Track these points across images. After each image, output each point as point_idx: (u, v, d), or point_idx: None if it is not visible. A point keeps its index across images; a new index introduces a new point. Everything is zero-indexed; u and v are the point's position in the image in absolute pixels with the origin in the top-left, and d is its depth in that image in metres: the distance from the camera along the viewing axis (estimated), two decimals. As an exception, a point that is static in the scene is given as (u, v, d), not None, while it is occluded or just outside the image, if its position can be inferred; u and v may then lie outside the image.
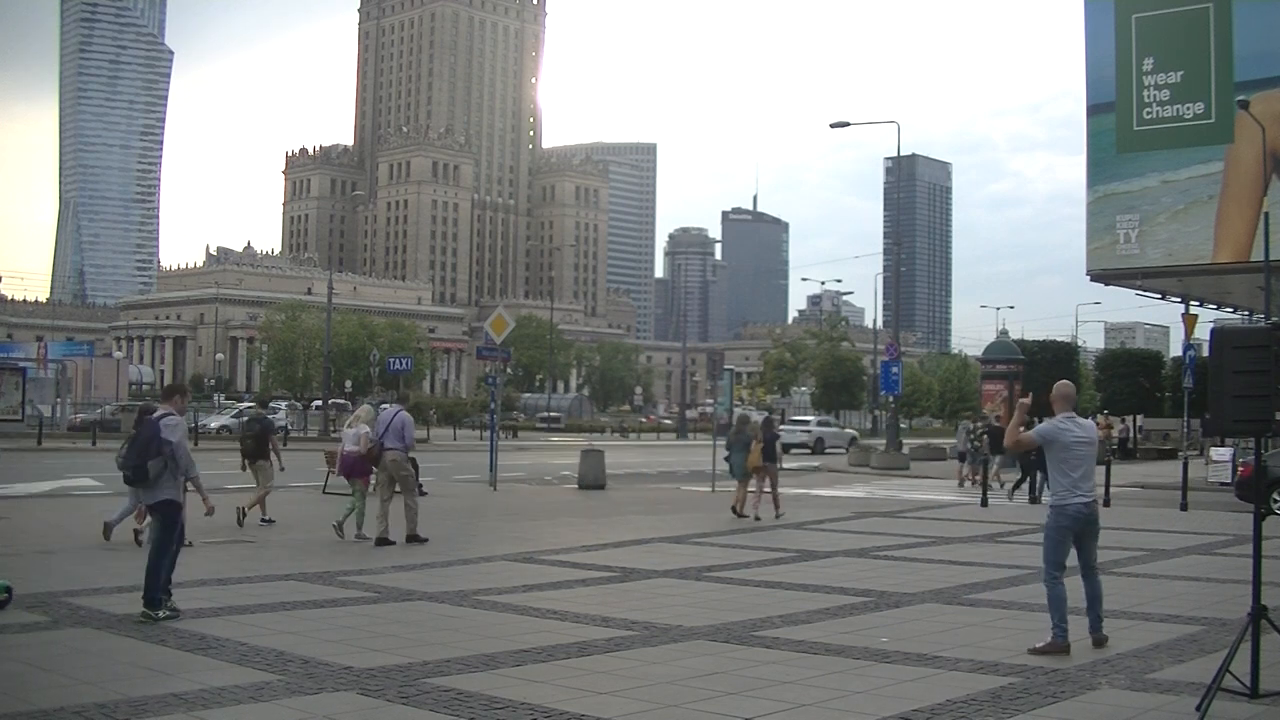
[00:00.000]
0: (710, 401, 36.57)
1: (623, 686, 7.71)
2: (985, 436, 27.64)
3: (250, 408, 16.73)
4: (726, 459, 20.38)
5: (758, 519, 19.39)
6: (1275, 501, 20.18)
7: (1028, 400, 9.44)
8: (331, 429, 57.66)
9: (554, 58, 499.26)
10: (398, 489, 15.60)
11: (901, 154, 49.11)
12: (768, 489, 20.00)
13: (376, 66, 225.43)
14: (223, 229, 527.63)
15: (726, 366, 33.13)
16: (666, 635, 9.50)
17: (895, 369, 39.42)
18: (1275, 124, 28.74)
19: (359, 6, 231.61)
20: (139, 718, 6.75)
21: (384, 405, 17.09)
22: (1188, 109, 31.31)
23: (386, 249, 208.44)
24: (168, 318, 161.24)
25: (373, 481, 16.02)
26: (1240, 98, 28.87)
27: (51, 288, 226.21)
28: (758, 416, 25.38)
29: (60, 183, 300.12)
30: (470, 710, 7.02)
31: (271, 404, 66.96)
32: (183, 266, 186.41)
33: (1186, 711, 7.04)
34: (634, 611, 10.53)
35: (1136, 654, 8.80)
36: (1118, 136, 32.99)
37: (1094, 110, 34.02)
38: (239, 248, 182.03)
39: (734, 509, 19.76)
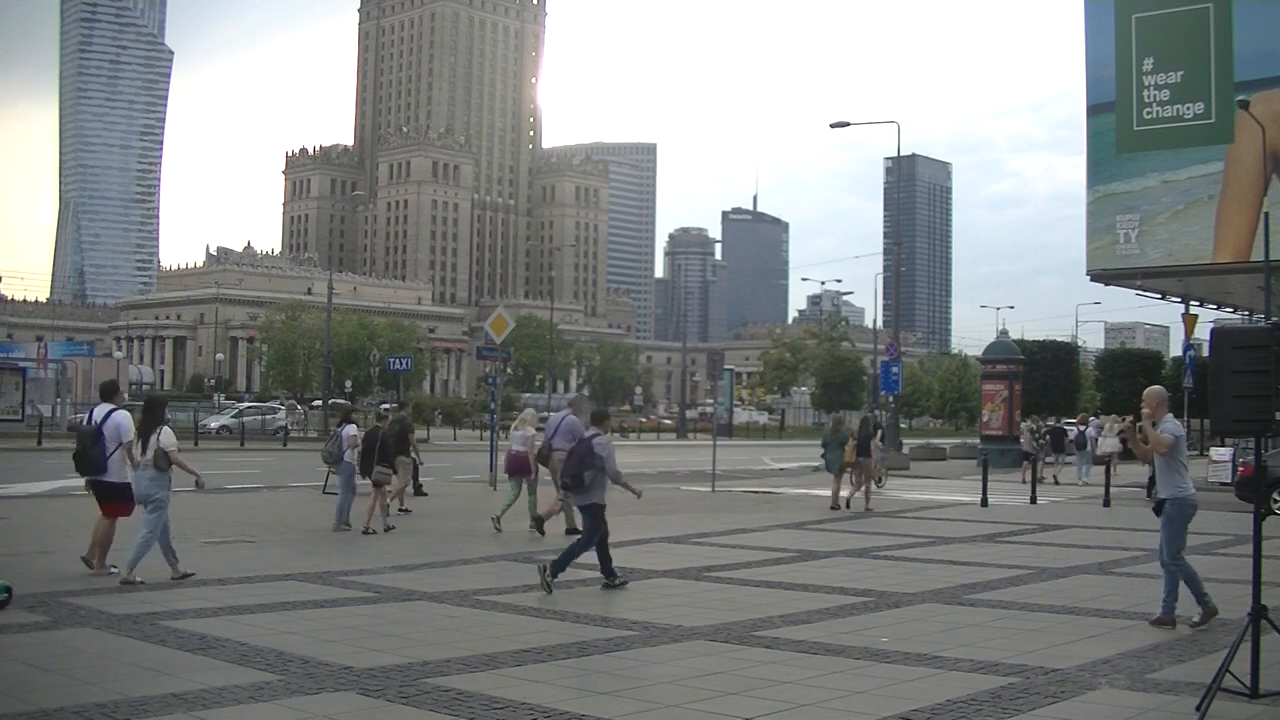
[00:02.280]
0: (710, 401, 36.55)
1: (623, 686, 7.72)
2: (1048, 436, 30.61)
3: (300, 407, 17.64)
4: (822, 456, 23.03)
5: (847, 506, 21.62)
6: (1275, 501, 20.18)
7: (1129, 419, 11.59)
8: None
9: (554, 58, 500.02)
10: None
11: (902, 154, 49.12)
12: (851, 483, 22.22)
13: (376, 66, 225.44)
14: (223, 229, 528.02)
15: (726, 366, 33.16)
16: (666, 635, 9.51)
17: (895, 369, 39.41)
18: (1275, 124, 28.76)
19: (359, 6, 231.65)
20: (139, 718, 6.75)
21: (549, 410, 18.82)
22: (1188, 109, 31.32)
23: (386, 249, 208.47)
24: (168, 318, 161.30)
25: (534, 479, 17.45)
26: (1240, 98, 28.88)
27: (51, 288, 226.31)
28: (851, 417, 27.11)
29: (60, 183, 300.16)
30: (470, 710, 7.02)
31: (273, 403, 67.01)
32: (183, 266, 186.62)
33: (1186, 711, 7.04)
34: (634, 611, 10.53)
35: (1136, 654, 8.80)
36: (1118, 136, 33.00)
37: (1094, 110, 34.04)
38: (239, 248, 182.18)
39: (832, 505, 21.77)
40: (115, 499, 11.74)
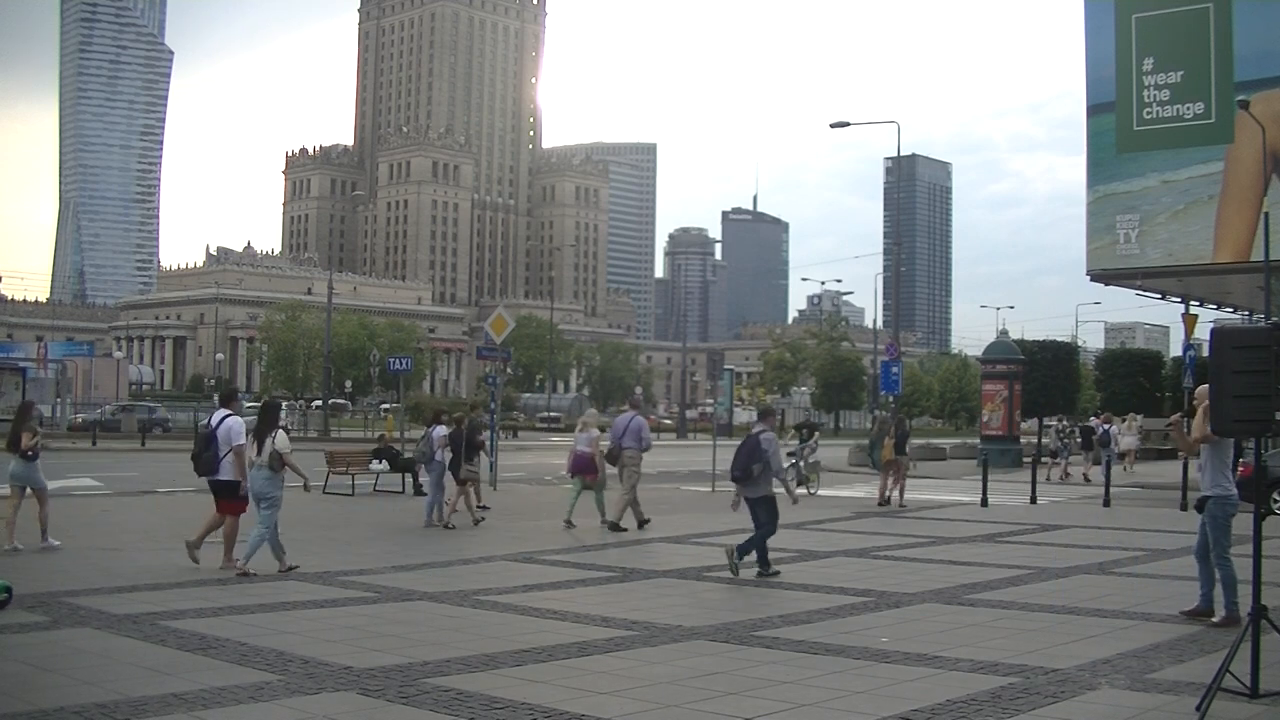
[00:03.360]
0: (710, 401, 36.57)
1: (623, 686, 7.72)
2: (1078, 435, 32.17)
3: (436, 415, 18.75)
4: (869, 454, 25.12)
5: (889, 502, 22.47)
6: (1275, 501, 20.18)
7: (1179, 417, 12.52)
8: (331, 429, 57.68)
9: (554, 58, 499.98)
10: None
11: (902, 154, 49.10)
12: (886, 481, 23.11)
13: (376, 66, 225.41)
14: (223, 229, 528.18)
15: (726, 366, 33.18)
16: (666, 635, 9.51)
17: (895, 369, 39.37)
18: (1275, 124, 28.72)
19: (359, 7, 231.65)
20: (139, 718, 6.75)
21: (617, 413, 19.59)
22: (1188, 109, 31.28)
23: (386, 249, 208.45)
24: (168, 318, 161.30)
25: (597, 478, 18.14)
26: (1240, 98, 28.83)
27: (51, 288, 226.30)
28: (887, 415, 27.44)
29: (60, 183, 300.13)
30: (470, 710, 7.02)
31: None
32: (183, 266, 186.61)
33: (1186, 711, 7.04)
34: (634, 611, 10.53)
35: (1136, 654, 8.80)
36: (1118, 136, 32.96)
37: (1094, 110, 33.99)
38: (239, 248, 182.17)
39: (880, 501, 22.80)
40: (229, 497, 12.54)
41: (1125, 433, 31.64)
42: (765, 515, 12.94)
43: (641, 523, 17.60)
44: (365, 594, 11.44)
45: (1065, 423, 33.73)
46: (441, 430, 18.21)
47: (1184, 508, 21.75)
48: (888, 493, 22.99)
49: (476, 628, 9.84)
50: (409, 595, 11.37)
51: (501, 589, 11.88)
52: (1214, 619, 10.04)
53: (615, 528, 17.21)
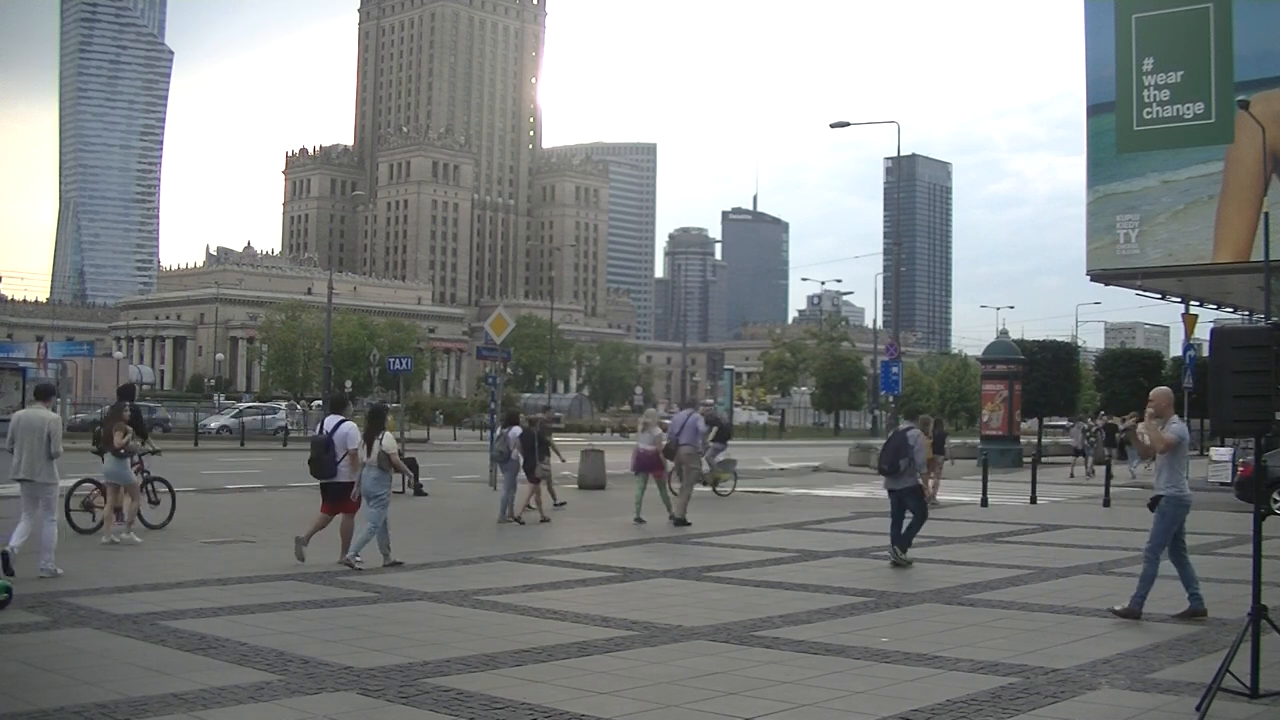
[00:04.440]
0: (710, 401, 36.59)
1: (623, 686, 7.72)
2: (1102, 434, 33.46)
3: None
4: None
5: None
6: (1275, 501, 20.18)
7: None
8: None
9: (554, 58, 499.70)
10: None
11: (902, 154, 49.11)
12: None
13: (376, 66, 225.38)
14: (223, 229, 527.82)
15: (726, 366, 33.33)
16: (666, 635, 9.51)
17: (895, 369, 39.40)
18: (1275, 124, 28.74)
19: (359, 7, 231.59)
20: (139, 718, 6.75)
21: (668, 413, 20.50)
22: (1188, 109, 31.31)
23: (386, 249, 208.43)
24: (168, 318, 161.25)
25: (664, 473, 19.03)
26: (1240, 98, 28.86)
27: (51, 288, 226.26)
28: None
29: (60, 183, 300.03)
30: (470, 710, 7.03)
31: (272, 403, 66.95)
32: (183, 266, 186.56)
33: (1186, 711, 7.04)
34: (634, 611, 10.53)
35: (1136, 654, 8.80)
36: (1118, 136, 32.99)
37: (1094, 110, 34.03)
38: (239, 248, 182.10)
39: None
40: (342, 498, 13.30)
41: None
42: (914, 503, 14.04)
43: (678, 521, 18.28)
44: (365, 594, 11.44)
45: (1091, 422, 34.73)
46: (517, 431, 19.11)
47: (1184, 508, 21.75)
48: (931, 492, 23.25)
49: (476, 628, 9.84)
50: (409, 595, 11.37)
51: (501, 589, 11.88)
52: (1115, 608, 10.23)
53: (681, 522, 18.00)
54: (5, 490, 21.67)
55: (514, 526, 18.08)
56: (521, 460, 18.84)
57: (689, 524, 17.98)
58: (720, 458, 24.64)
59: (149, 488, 16.47)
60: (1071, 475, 32.17)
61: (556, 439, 21.96)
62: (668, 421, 20.24)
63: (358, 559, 12.94)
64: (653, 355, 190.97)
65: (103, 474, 14.80)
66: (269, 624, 9.65)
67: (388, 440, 13.25)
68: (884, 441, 14.61)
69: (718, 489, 24.30)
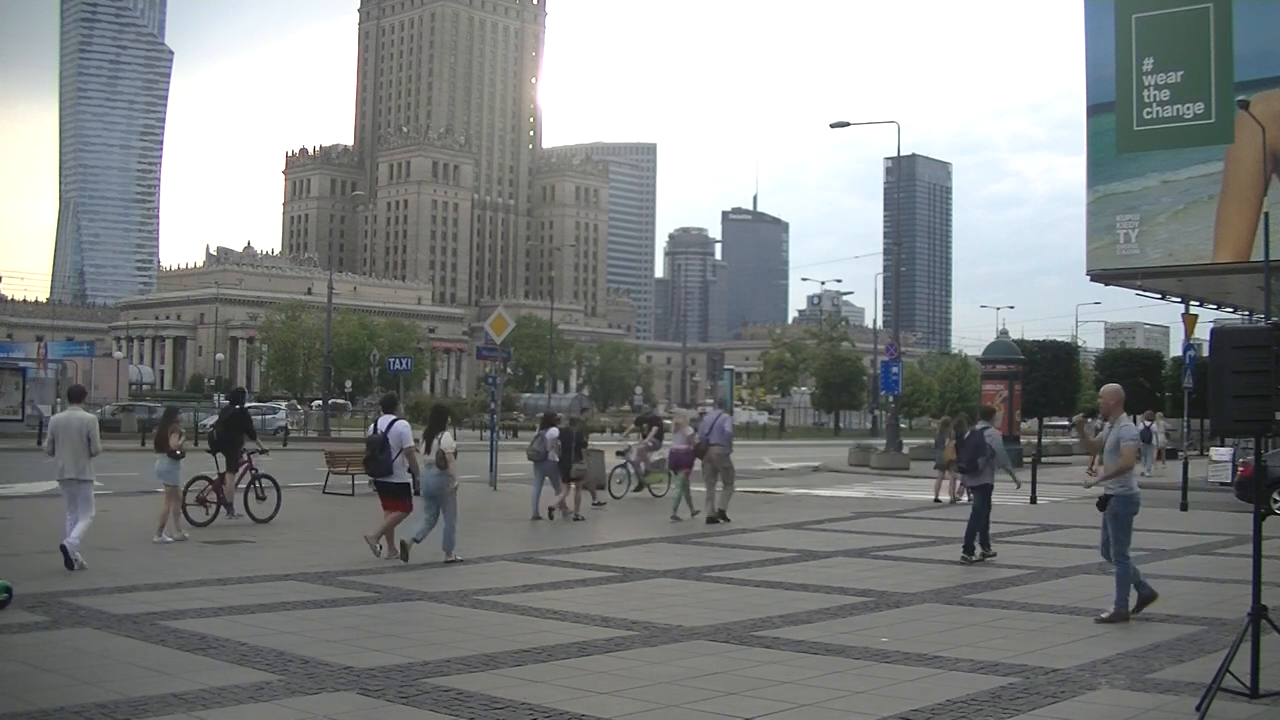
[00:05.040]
0: (710, 401, 36.58)
1: (623, 686, 7.72)
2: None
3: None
4: (935, 453, 26.60)
5: (954, 501, 22.78)
6: (1275, 501, 20.18)
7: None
8: (332, 429, 57.64)
9: (554, 58, 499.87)
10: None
11: (902, 154, 49.08)
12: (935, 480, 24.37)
13: (376, 66, 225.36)
14: (223, 229, 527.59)
15: (726, 366, 33.40)
16: (666, 635, 9.51)
17: (895, 369, 39.41)
18: (1275, 124, 28.72)
19: (359, 7, 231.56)
20: (139, 718, 6.75)
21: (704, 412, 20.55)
22: (1188, 109, 31.28)
23: (386, 249, 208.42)
24: (168, 318, 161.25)
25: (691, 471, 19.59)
26: (1240, 98, 28.83)
27: (51, 288, 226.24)
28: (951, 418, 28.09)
29: (60, 183, 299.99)
30: (470, 710, 7.03)
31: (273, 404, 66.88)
32: (183, 266, 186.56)
33: (1186, 711, 7.04)
34: (634, 611, 10.53)
35: (1136, 654, 8.80)
36: (1118, 136, 32.96)
37: (1094, 110, 33.99)
38: (239, 248, 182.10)
39: (943, 495, 23.66)
40: (396, 497, 13.64)
41: (1158, 431, 33.85)
42: (980, 501, 14.43)
43: (712, 518, 18.81)
44: (365, 594, 11.44)
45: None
46: (554, 432, 19.54)
47: (1184, 507, 21.77)
48: (954, 492, 23.38)
49: (476, 628, 9.84)
50: (409, 595, 11.37)
51: (501, 589, 11.88)
52: (1101, 615, 10.12)
53: (722, 517, 18.65)
54: (5, 490, 21.71)
55: (516, 525, 18.08)
56: (558, 460, 19.27)
57: (728, 519, 18.63)
58: (655, 457, 23.95)
59: (256, 484, 17.81)
60: (1091, 470, 32.80)
61: None
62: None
63: (457, 555, 13.53)
64: (653, 355, 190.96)
65: (153, 473, 15.44)
66: (269, 624, 9.65)
67: (446, 439, 13.54)
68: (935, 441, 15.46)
69: (653, 490, 23.60)
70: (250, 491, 17.61)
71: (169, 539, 14.79)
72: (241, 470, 17.31)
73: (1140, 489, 10.31)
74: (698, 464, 19.51)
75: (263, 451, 17.95)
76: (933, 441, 24.59)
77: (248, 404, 27.17)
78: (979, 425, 14.83)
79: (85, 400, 13.67)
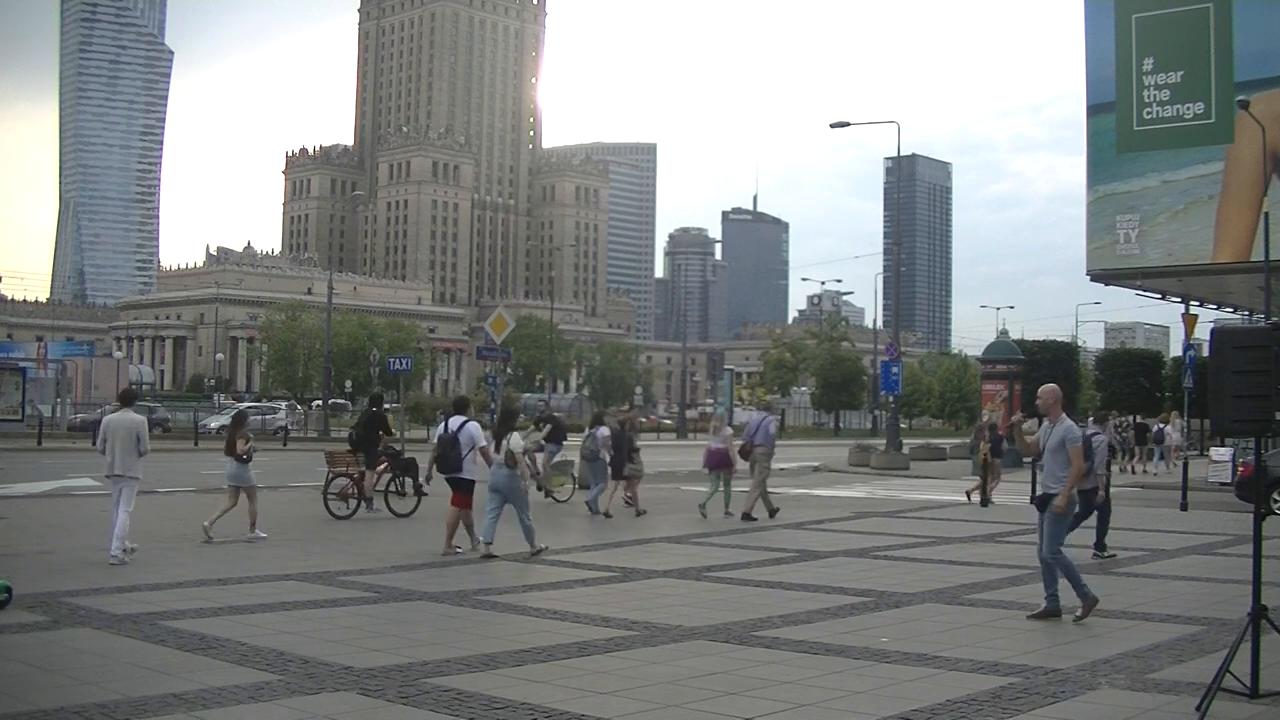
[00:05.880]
0: (710, 401, 36.57)
1: (623, 686, 7.71)
2: (1133, 431, 36.05)
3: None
4: (970, 455, 27.82)
5: (986, 502, 22.81)
6: (1275, 501, 20.18)
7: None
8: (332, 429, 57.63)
9: (554, 58, 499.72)
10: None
11: (902, 154, 49.06)
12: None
13: (376, 67, 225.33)
14: (223, 229, 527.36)
15: (726, 366, 33.35)
16: (666, 635, 9.50)
17: (895, 369, 39.41)
18: (1275, 124, 28.69)
19: (359, 7, 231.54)
20: (139, 718, 6.75)
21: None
22: (1188, 109, 31.25)
23: (386, 249, 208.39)
24: (168, 318, 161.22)
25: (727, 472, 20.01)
26: (1240, 98, 28.81)
27: (51, 288, 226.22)
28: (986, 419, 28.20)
29: (60, 183, 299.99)
30: (470, 710, 7.02)
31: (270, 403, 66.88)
32: (183, 266, 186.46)
33: (1186, 711, 7.04)
34: (634, 611, 10.52)
35: (1136, 654, 8.80)
36: (1118, 136, 32.93)
37: (1094, 110, 33.96)
38: (239, 248, 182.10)
39: (974, 496, 23.56)
40: (465, 492, 14.39)
41: (1173, 430, 34.79)
42: (1084, 507, 14.25)
43: (772, 511, 19.42)
44: (365, 594, 11.44)
45: (1125, 420, 37.80)
46: (605, 431, 20.22)
47: (1184, 507, 21.77)
48: (987, 493, 23.48)
49: (476, 628, 9.84)
50: (409, 595, 11.36)
51: (501, 589, 11.89)
52: (1076, 614, 10.08)
53: (747, 518, 19.06)
54: (4, 490, 21.72)
55: (515, 525, 18.07)
56: (609, 459, 19.89)
57: (755, 519, 19.06)
58: (555, 459, 22.84)
59: (396, 481, 19.43)
60: (1119, 469, 35.05)
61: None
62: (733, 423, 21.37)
63: (541, 546, 14.31)
64: (653, 355, 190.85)
65: (226, 477, 15.95)
66: (269, 624, 9.65)
67: (515, 440, 14.28)
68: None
69: (554, 495, 22.18)
70: (390, 488, 19.23)
71: (262, 535, 15.32)
72: (381, 467, 19.09)
73: (1086, 489, 10.50)
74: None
75: (399, 451, 19.68)
76: (978, 445, 25.02)
77: (253, 404, 27.77)
78: (1090, 430, 14.71)
79: (134, 402, 14.37)
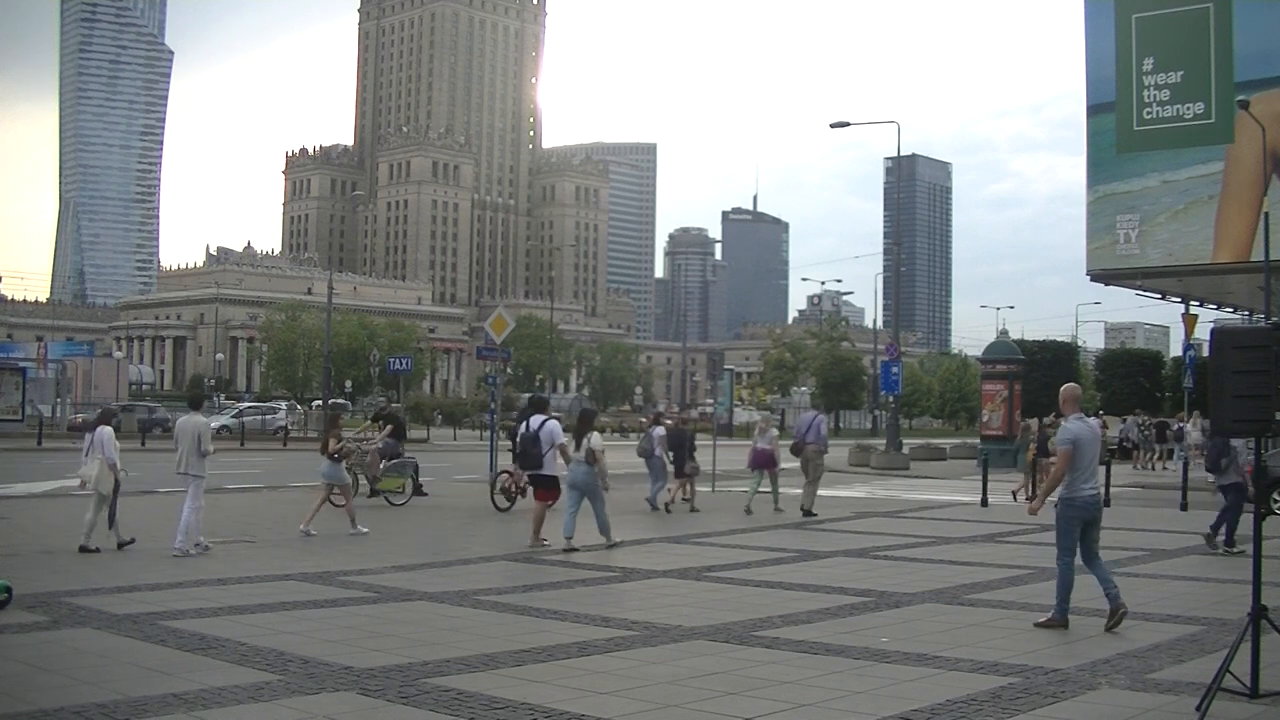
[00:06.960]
0: (710, 401, 36.59)
1: (623, 686, 7.72)
2: (1154, 429, 37.62)
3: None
4: (1014, 456, 28.52)
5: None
6: (1275, 501, 20.17)
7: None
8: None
9: (554, 58, 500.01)
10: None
11: (902, 154, 49.06)
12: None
13: (376, 67, 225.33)
14: (223, 229, 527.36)
15: (726, 366, 33.17)
16: (666, 635, 9.50)
17: (895, 369, 39.40)
18: (1275, 124, 28.70)
19: (359, 7, 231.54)
20: (139, 718, 6.75)
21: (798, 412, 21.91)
22: (1188, 109, 31.26)
23: (386, 249, 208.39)
24: (168, 318, 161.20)
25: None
26: (1240, 98, 28.82)
27: (51, 288, 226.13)
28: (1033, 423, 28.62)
29: (60, 183, 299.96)
30: (470, 710, 7.02)
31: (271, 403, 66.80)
32: (183, 266, 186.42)
33: (1186, 711, 7.04)
34: (634, 611, 10.53)
35: (1136, 654, 8.80)
36: (1118, 136, 32.93)
37: (1094, 110, 33.96)
38: (239, 248, 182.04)
39: (1020, 495, 23.98)
40: (548, 487, 15.19)
41: (1190, 430, 35.27)
42: (1233, 498, 15.23)
43: (808, 512, 19.89)
44: (365, 594, 11.44)
45: (1145, 419, 39.65)
46: (660, 431, 21.18)
47: (1184, 508, 21.75)
48: (1027, 494, 23.63)
49: (476, 628, 9.83)
50: (409, 595, 11.36)
51: (501, 589, 11.88)
52: (1039, 619, 9.92)
53: (807, 514, 19.67)
54: (4, 490, 21.71)
55: (515, 525, 18.08)
56: (667, 457, 20.90)
57: (815, 515, 19.70)
58: (394, 460, 21.49)
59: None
60: (1136, 466, 36.79)
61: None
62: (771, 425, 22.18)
63: (615, 539, 15.10)
64: (653, 355, 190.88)
65: (319, 474, 16.88)
66: (269, 624, 9.65)
67: (595, 439, 14.92)
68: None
69: (390, 499, 20.91)
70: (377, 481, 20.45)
71: (364, 529, 16.12)
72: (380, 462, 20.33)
73: (1085, 495, 9.71)
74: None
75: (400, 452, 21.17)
76: (1026, 446, 25.69)
77: (253, 404, 28.41)
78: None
79: (202, 407, 15.15)
